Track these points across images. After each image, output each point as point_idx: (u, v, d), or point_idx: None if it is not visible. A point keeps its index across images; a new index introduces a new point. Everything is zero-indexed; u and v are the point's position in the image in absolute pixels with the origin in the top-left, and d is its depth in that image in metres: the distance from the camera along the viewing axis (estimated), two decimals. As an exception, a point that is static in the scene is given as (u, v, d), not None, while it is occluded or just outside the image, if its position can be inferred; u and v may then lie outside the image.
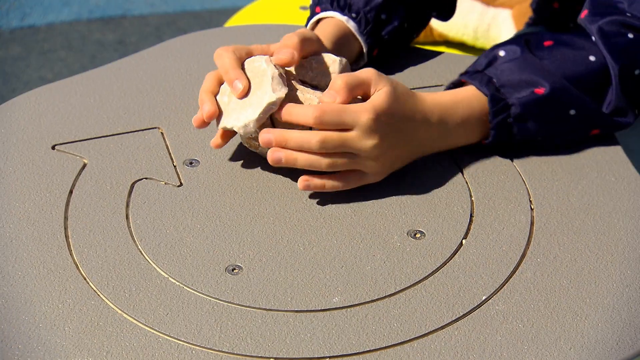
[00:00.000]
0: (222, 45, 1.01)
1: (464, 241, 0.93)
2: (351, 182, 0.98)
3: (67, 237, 0.93)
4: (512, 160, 1.03)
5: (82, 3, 2.80)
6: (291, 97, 0.98)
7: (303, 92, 0.99)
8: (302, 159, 0.96)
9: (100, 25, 2.70)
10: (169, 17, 2.75)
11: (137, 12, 2.76)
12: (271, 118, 0.98)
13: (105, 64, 1.18)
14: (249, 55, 1.01)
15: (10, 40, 2.63)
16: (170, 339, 0.83)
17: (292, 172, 1.00)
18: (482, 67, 1.04)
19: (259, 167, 1.01)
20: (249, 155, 1.03)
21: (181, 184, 0.99)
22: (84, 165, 1.01)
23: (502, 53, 1.04)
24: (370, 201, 0.97)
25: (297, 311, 0.86)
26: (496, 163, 1.03)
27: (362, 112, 0.95)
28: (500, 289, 0.88)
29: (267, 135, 0.95)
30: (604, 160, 1.04)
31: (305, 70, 1.02)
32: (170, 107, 1.10)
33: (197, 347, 0.83)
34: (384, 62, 1.16)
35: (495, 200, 0.98)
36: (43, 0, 2.79)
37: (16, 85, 2.44)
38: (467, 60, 1.19)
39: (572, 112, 1.03)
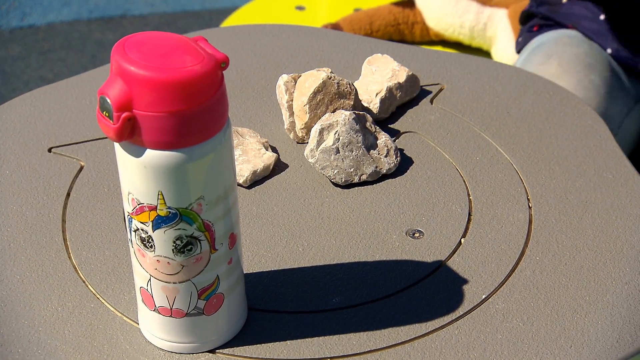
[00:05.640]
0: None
1: (462, 240, 0.93)
2: None
3: (65, 240, 0.93)
4: (509, 159, 1.03)
5: (82, 3, 2.80)
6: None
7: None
8: None
9: (100, 25, 2.70)
10: (168, 17, 2.75)
11: (137, 12, 2.76)
12: None
13: (106, 64, 1.18)
14: None
15: (10, 40, 2.63)
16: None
17: (291, 173, 1.00)
18: None
19: (257, 168, 1.01)
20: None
21: (179, 186, 0.99)
22: (81, 168, 1.01)
23: None
24: (369, 201, 0.97)
25: (297, 312, 0.85)
26: (494, 161, 1.03)
27: None
28: (500, 287, 0.88)
29: None
30: (601, 158, 1.03)
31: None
32: (168, 108, 1.10)
33: (197, 349, 0.83)
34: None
35: (493, 198, 0.98)
36: (43, 0, 2.79)
37: (16, 85, 2.44)
38: (464, 59, 1.19)
39: None
